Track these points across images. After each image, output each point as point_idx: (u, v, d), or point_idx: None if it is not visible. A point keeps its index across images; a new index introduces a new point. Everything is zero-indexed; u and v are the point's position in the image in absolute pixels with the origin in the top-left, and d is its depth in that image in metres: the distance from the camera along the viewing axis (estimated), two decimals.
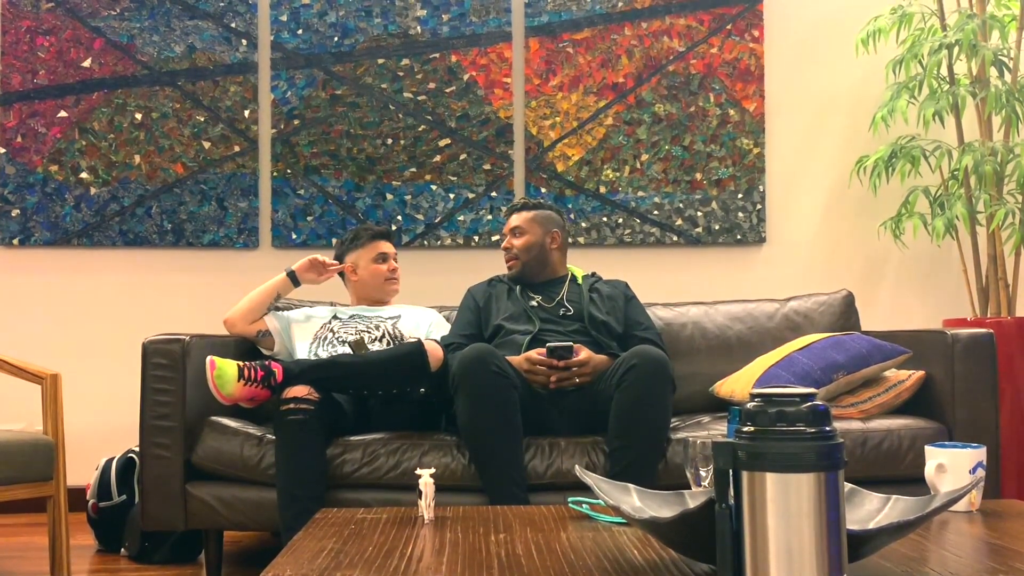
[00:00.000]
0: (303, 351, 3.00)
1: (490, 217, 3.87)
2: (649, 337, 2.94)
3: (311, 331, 3.05)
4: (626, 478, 2.37)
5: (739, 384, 2.96)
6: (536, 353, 2.72)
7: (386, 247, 3.21)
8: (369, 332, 3.01)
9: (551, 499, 2.45)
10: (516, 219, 3.08)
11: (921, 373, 2.82)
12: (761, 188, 3.91)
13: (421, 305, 3.28)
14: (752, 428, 1.09)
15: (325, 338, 3.01)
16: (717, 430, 2.71)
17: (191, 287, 3.87)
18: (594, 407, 2.68)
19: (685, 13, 3.92)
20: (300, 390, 2.57)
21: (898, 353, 2.86)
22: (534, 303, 2.99)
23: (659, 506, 1.52)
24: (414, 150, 3.87)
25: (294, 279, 3.03)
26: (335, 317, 3.10)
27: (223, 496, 2.62)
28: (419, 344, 2.67)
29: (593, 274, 3.16)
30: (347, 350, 2.90)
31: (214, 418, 2.69)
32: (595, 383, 2.72)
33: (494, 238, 3.87)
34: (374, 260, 3.18)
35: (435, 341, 2.81)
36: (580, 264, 3.42)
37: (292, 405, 2.52)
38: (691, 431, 2.73)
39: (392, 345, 2.95)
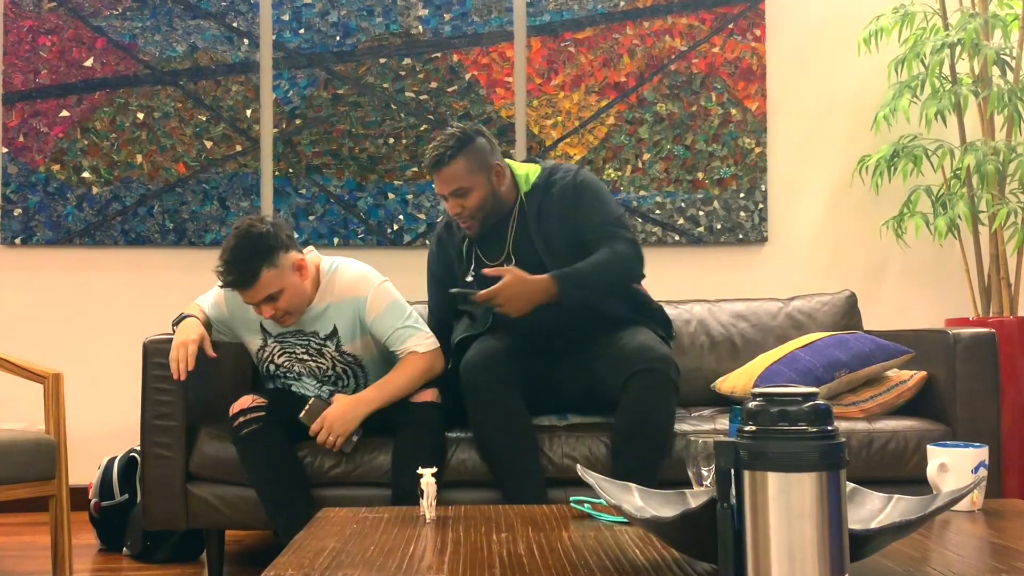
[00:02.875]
0: (259, 374, 2.78)
1: None
2: (606, 234, 2.58)
3: (253, 349, 2.72)
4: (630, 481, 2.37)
5: (740, 380, 2.96)
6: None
7: (248, 297, 2.52)
8: (316, 361, 2.64)
9: (551, 493, 2.47)
10: (451, 178, 2.56)
11: (923, 374, 2.82)
12: (763, 187, 3.91)
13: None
14: (754, 427, 1.09)
15: (269, 371, 2.69)
16: (721, 424, 2.71)
17: (193, 287, 3.84)
18: (593, 393, 2.66)
19: (687, 12, 3.92)
20: (244, 401, 2.52)
21: (900, 353, 2.86)
22: (470, 278, 2.65)
23: (661, 505, 1.52)
24: (416, 149, 3.87)
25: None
26: (263, 330, 2.65)
27: (224, 495, 2.62)
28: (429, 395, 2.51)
29: (544, 171, 2.69)
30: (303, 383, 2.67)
31: (210, 428, 2.67)
32: (596, 373, 2.63)
33: None
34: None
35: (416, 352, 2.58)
36: None
37: (242, 418, 2.48)
38: (694, 424, 2.73)
39: (349, 372, 2.66)
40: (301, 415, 2.51)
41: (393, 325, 2.60)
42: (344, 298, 2.62)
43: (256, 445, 2.48)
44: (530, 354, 2.64)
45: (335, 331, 2.62)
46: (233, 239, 2.52)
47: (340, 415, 2.49)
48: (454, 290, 2.51)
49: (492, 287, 2.44)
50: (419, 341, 2.61)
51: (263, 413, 2.50)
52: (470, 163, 2.58)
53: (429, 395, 2.56)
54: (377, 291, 2.63)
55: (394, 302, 2.64)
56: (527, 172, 2.70)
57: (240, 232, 2.53)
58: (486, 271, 2.49)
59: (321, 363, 2.66)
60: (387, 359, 2.68)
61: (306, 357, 2.64)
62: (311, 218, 3.85)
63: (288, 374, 2.69)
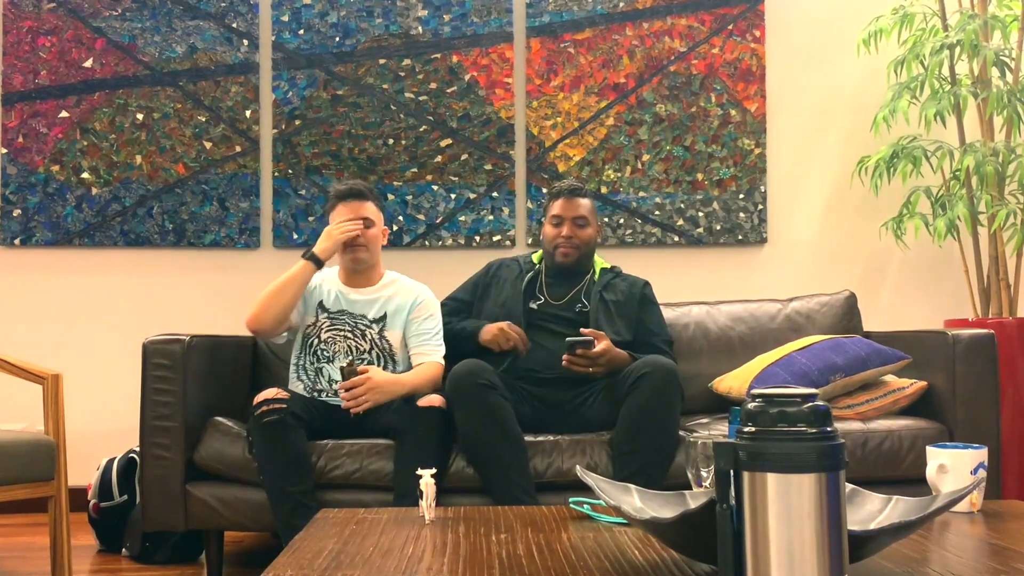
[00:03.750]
0: (294, 352, 2.93)
1: (491, 217, 3.87)
2: (659, 345, 2.92)
3: (305, 324, 2.91)
4: (633, 483, 2.38)
5: (737, 381, 2.97)
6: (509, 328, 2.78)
7: (349, 210, 2.88)
8: (355, 341, 2.85)
9: (550, 498, 2.45)
10: (580, 207, 2.95)
11: (923, 384, 2.82)
12: (762, 188, 3.91)
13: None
14: (753, 428, 1.09)
15: (311, 345, 2.86)
16: (718, 430, 2.71)
17: (192, 287, 3.87)
18: (602, 414, 2.69)
19: (686, 13, 3.92)
20: (269, 392, 2.58)
21: (897, 359, 2.86)
22: (534, 305, 2.95)
23: (660, 506, 1.52)
24: (415, 150, 3.87)
25: (317, 261, 2.81)
26: (321, 307, 2.89)
27: (223, 496, 2.62)
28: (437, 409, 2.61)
29: (613, 268, 3.07)
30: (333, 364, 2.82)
31: (218, 419, 2.69)
32: (604, 389, 2.72)
33: (495, 238, 3.87)
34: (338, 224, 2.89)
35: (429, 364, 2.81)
36: None
37: (265, 408, 2.52)
38: (692, 428, 2.73)
39: (382, 358, 2.84)
40: (344, 365, 2.67)
41: (429, 330, 2.89)
42: (401, 294, 2.93)
43: (273, 434, 2.51)
44: (526, 383, 2.78)
45: (384, 316, 2.88)
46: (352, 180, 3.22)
47: (385, 383, 2.68)
48: (572, 339, 2.69)
49: (603, 347, 2.68)
50: (438, 354, 2.87)
51: (285, 406, 2.53)
52: (593, 206, 3.02)
53: (436, 400, 2.63)
54: (431, 299, 2.96)
55: (439, 314, 2.95)
56: (601, 260, 3.09)
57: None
58: (585, 331, 2.71)
59: (361, 344, 2.84)
60: (407, 367, 2.89)
61: (350, 336, 2.85)
62: (310, 219, 3.85)
63: (325, 353, 2.83)
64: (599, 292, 2.94)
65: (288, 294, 2.77)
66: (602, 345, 2.68)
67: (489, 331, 2.81)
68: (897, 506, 1.41)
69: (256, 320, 2.76)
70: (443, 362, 2.84)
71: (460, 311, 3.04)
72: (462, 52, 3.89)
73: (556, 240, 2.95)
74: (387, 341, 2.87)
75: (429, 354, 2.85)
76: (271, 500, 2.51)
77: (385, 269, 3.02)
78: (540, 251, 3.08)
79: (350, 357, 2.79)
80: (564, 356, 2.68)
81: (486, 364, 2.64)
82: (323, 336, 2.86)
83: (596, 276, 3.00)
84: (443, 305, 3.00)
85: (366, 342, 2.85)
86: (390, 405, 2.68)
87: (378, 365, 2.83)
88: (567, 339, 2.69)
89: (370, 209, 2.91)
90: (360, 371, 2.66)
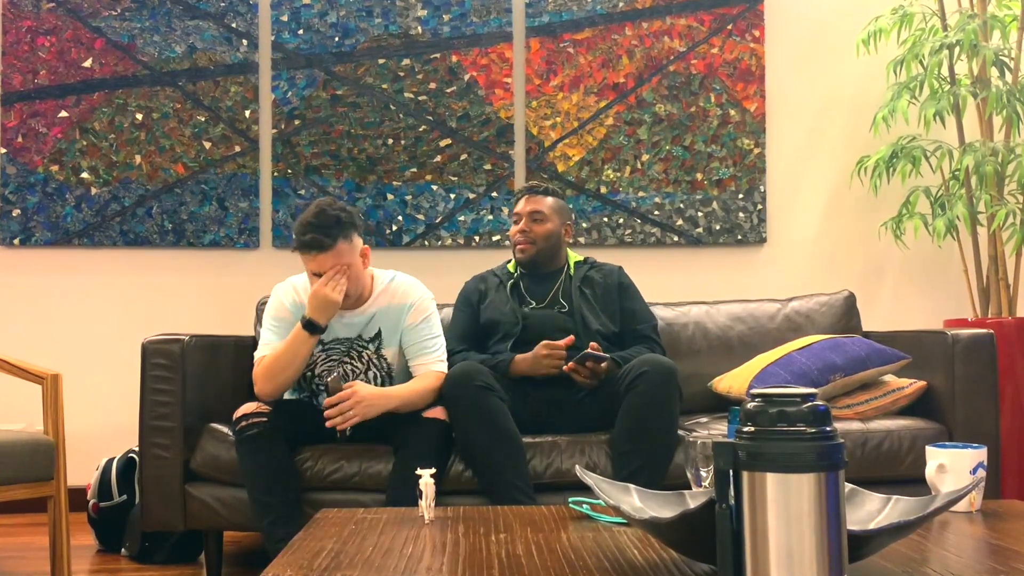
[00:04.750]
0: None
1: (491, 217, 3.87)
2: (647, 334, 2.93)
3: None
4: (633, 483, 2.38)
5: (737, 380, 2.97)
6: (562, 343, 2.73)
7: (315, 264, 2.60)
8: (351, 364, 2.72)
9: (550, 499, 2.45)
10: (537, 203, 2.97)
11: (922, 384, 2.82)
12: (762, 188, 3.91)
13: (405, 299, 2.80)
14: (752, 428, 1.09)
15: (305, 379, 2.74)
16: (717, 429, 2.71)
17: (191, 287, 3.87)
18: (600, 412, 2.70)
19: (686, 13, 3.92)
20: (249, 407, 2.56)
21: (897, 359, 2.86)
22: (527, 308, 2.94)
23: (659, 506, 1.52)
24: (415, 150, 3.87)
25: (318, 329, 2.60)
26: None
27: (222, 497, 2.62)
28: (437, 421, 2.58)
29: (587, 260, 3.09)
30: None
31: (214, 425, 2.68)
32: (601, 388, 2.73)
33: (495, 238, 3.87)
34: (311, 274, 2.65)
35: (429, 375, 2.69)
36: None
37: (245, 422, 2.51)
38: (691, 428, 2.73)
39: (379, 378, 2.72)
40: (330, 378, 2.55)
41: (426, 335, 2.73)
42: (392, 304, 2.75)
43: (255, 447, 2.50)
44: (525, 386, 2.76)
45: (379, 334, 2.73)
46: (316, 208, 2.61)
47: (371, 398, 2.55)
48: (588, 352, 2.66)
49: (607, 365, 2.68)
50: (440, 361, 2.73)
51: (266, 419, 2.52)
52: (556, 204, 3.00)
53: (438, 412, 2.61)
54: (424, 301, 2.77)
55: (435, 315, 2.78)
56: (574, 254, 3.10)
57: (323, 203, 2.63)
58: (595, 345, 2.72)
59: (357, 366, 2.72)
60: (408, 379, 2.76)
61: (345, 359, 2.72)
62: None
63: (320, 387, 2.73)
64: (577, 288, 2.95)
65: (292, 368, 2.62)
66: (606, 364, 2.69)
67: (524, 361, 2.76)
68: (896, 506, 1.41)
69: (261, 394, 2.65)
70: (444, 370, 2.70)
71: (469, 335, 2.96)
72: (461, 52, 3.89)
73: (515, 237, 2.99)
74: (384, 360, 2.73)
75: (428, 363, 2.70)
76: (254, 511, 2.50)
77: (373, 271, 2.81)
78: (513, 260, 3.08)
79: (336, 372, 2.65)
80: (570, 363, 2.68)
81: (481, 366, 2.64)
82: (317, 371, 2.73)
83: (571, 272, 3.02)
84: (450, 353, 2.84)
85: (362, 362, 2.72)
86: (388, 415, 2.61)
87: (375, 384, 2.71)
88: (583, 352, 2.67)
89: (340, 252, 2.59)
90: (345, 387, 2.54)
